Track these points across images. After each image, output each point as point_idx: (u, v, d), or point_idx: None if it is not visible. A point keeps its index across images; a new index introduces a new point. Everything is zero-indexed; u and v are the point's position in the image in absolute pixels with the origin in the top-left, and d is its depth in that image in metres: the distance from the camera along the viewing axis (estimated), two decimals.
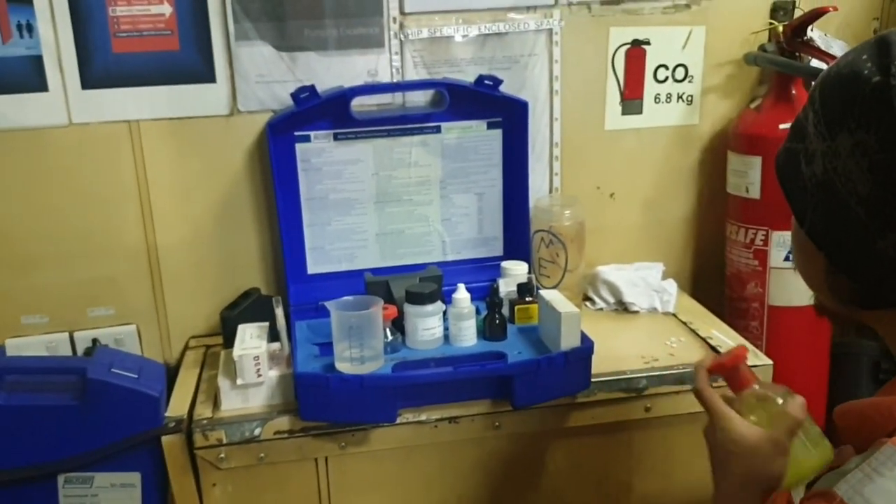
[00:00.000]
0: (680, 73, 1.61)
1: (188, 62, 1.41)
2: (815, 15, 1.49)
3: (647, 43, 1.58)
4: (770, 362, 1.34)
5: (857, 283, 0.76)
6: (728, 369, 0.95)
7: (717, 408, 0.91)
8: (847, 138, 0.71)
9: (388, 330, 1.30)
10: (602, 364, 1.30)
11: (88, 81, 1.39)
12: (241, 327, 1.32)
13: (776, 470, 0.86)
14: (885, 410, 0.76)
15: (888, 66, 0.69)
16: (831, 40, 1.58)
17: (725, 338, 1.42)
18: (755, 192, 1.53)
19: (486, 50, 1.50)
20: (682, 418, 1.30)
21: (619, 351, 1.37)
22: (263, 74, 1.44)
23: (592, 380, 1.28)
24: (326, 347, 1.28)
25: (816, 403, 1.57)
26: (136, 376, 1.24)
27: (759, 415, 0.90)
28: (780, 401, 0.90)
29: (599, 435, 1.32)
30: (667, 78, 1.60)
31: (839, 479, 0.72)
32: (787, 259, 1.53)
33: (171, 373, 1.42)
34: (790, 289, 1.53)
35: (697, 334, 1.44)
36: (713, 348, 1.39)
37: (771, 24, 1.58)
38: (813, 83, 0.80)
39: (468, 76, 1.48)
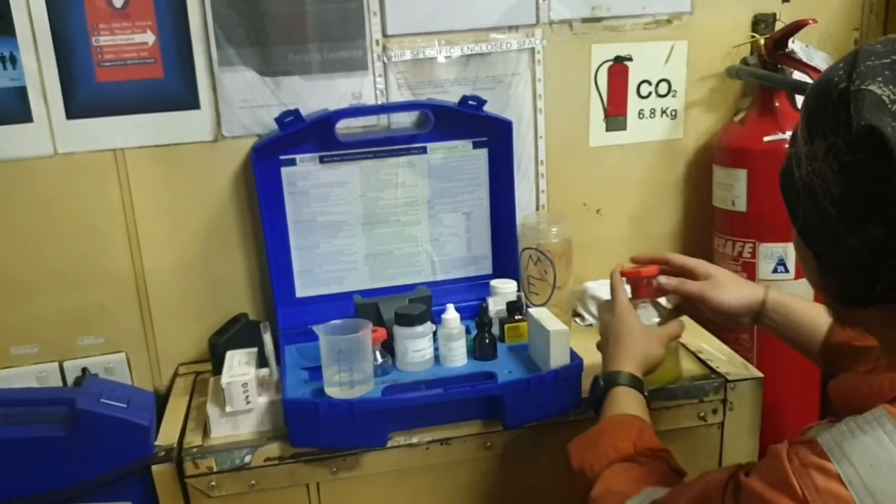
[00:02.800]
0: (663, 88, 1.62)
1: (172, 89, 1.41)
2: (795, 27, 1.50)
3: (630, 59, 1.58)
4: (760, 375, 1.35)
5: (840, 281, 0.79)
6: (633, 278, 1.25)
7: (619, 296, 1.21)
8: (822, 142, 0.74)
9: (378, 352, 1.30)
10: None
11: (73, 111, 1.39)
12: (229, 354, 1.32)
13: (653, 353, 1.16)
14: (877, 386, 0.79)
15: (852, 72, 0.73)
16: (813, 52, 1.59)
17: (715, 351, 1.42)
18: (741, 205, 1.54)
19: (469, 70, 1.51)
20: (675, 434, 1.30)
21: None
22: (247, 99, 1.44)
23: (583, 397, 1.28)
24: (316, 371, 1.28)
25: (808, 414, 1.57)
26: (125, 406, 1.24)
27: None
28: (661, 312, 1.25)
29: None
30: (650, 93, 1.61)
31: (825, 431, 0.75)
32: (775, 271, 1.53)
33: (161, 400, 1.42)
34: None
35: (687, 348, 1.44)
36: (704, 362, 1.39)
37: (752, 37, 1.60)
38: None
39: (452, 97, 1.49)
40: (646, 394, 1.11)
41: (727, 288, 1.20)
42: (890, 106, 0.69)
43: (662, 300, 1.28)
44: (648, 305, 1.26)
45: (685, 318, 1.27)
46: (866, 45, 0.75)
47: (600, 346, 1.22)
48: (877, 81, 0.71)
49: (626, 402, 1.08)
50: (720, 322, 1.24)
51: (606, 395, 1.10)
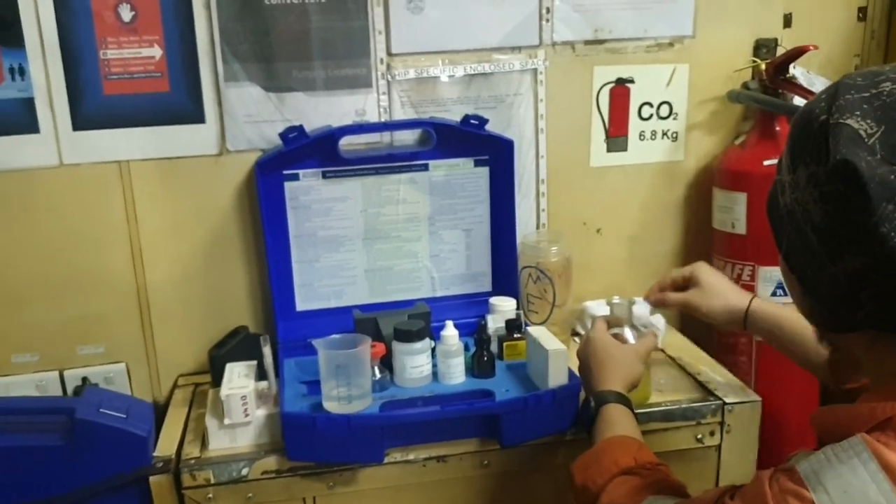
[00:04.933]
0: (664, 110, 1.63)
1: (178, 103, 1.43)
2: (797, 53, 1.51)
3: (632, 81, 1.60)
4: (758, 398, 1.35)
5: (823, 307, 0.81)
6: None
7: (595, 328, 1.27)
8: (804, 171, 0.76)
9: (376, 368, 1.30)
10: None
11: (79, 123, 1.40)
12: (228, 366, 1.33)
13: (634, 370, 1.21)
14: (856, 414, 0.79)
15: (832, 105, 0.75)
16: (814, 77, 1.60)
17: (713, 373, 1.43)
18: (741, 228, 1.55)
19: (471, 90, 1.53)
20: (671, 455, 1.30)
21: None
22: (252, 114, 1.46)
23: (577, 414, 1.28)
24: (314, 385, 1.28)
25: (806, 437, 1.57)
26: (124, 416, 1.24)
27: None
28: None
29: None
30: (651, 115, 1.63)
31: (804, 459, 0.76)
32: (774, 294, 1.54)
33: (160, 411, 1.42)
34: None
35: (686, 370, 1.45)
36: (701, 384, 1.39)
37: (754, 61, 1.61)
38: None
39: (455, 115, 1.50)
40: (634, 410, 1.15)
41: (712, 297, 1.27)
42: (866, 140, 0.71)
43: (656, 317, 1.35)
44: (625, 328, 1.31)
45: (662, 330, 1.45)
46: (847, 78, 0.77)
47: (580, 372, 1.26)
48: (854, 115, 0.73)
49: (620, 421, 1.10)
50: (717, 326, 1.33)
51: (598, 414, 1.13)
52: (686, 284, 1.32)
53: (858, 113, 0.73)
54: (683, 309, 1.31)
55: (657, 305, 1.34)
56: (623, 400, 1.15)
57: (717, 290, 1.28)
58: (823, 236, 0.75)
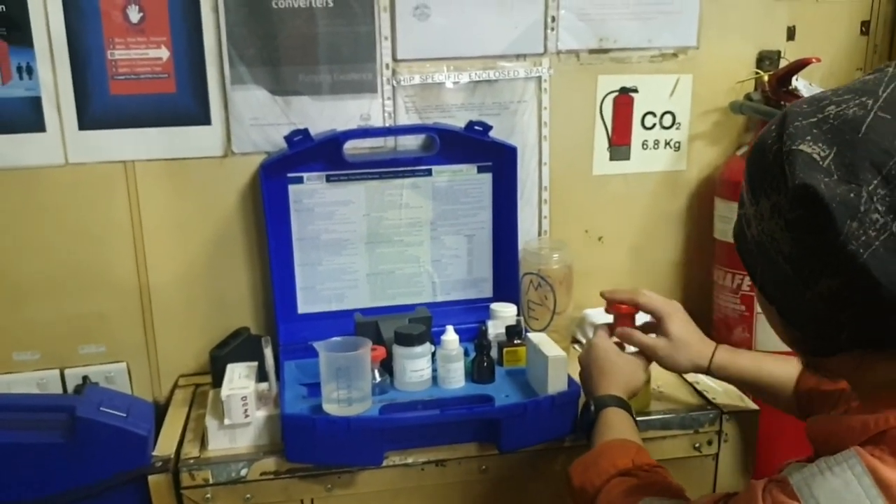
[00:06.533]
0: (667, 120, 1.64)
1: (184, 105, 1.44)
2: (799, 65, 1.52)
3: (635, 90, 1.61)
4: (756, 407, 1.35)
5: (805, 334, 0.81)
6: (616, 314, 1.32)
7: (597, 335, 1.29)
8: (766, 202, 0.77)
9: (376, 371, 1.31)
10: None
11: (86, 122, 1.41)
12: (229, 367, 1.33)
13: (636, 378, 1.23)
14: (850, 426, 0.79)
15: (782, 133, 0.76)
16: (816, 89, 1.61)
17: (711, 382, 1.43)
18: None
19: (476, 96, 1.54)
20: (668, 463, 1.29)
21: None
22: (258, 117, 1.46)
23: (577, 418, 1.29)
24: (315, 388, 1.29)
25: (803, 447, 1.57)
26: (124, 415, 1.24)
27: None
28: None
29: None
30: (654, 125, 1.63)
31: (797, 471, 0.76)
32: None
33: (160, 411, 1.42)
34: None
35: (684, 379, 1.45)
36: (700, 393, 1.40)
37: (757, 73, 1.62)
38: None
39: (459, 121, 1.51)
40: (633, 415, 1.16)
41: (678, 351, 1.25)
42: (821, 163, 0.72)
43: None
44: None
45: None
46: (793, 107, 0.78)
47: (581, 378, 1.27)
48: (806, 140, 0.73)
49: (619, 425, 1.11)
50: (669, 369, 1.30)
51: (598, 418, 1.14)
52: (654, 322, 1.29)
53: (809, 138, 0.73)
54: (647, 354, 1.26)
55: (622, 338, 1.28)
56: (623, 404, 1.16)
57: (684, 343, 1.25)
58: (796, 264, 0.75)
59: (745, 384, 1.28)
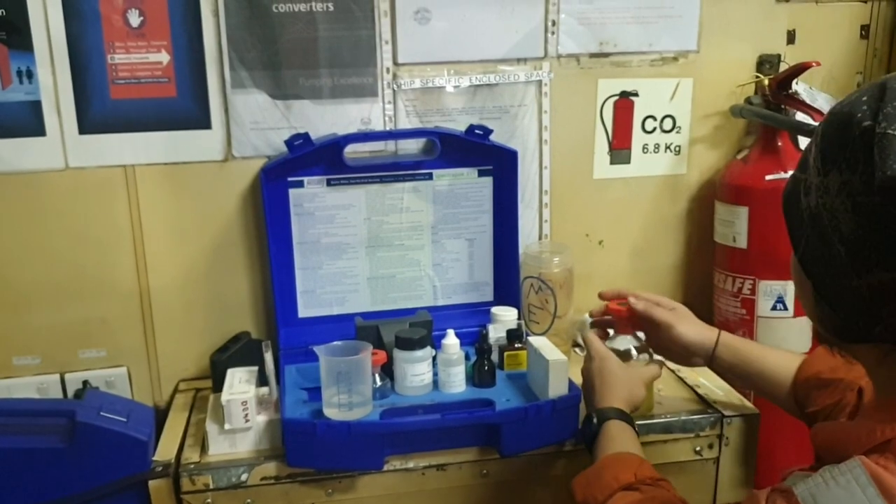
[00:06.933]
0: (668, 123, 1.64)
1: (184, 109, 1.44)
2: (799, 69, 1.52)
3: (636, 94, 1.61)
4: (756, 411, 1.35)
5: (838, 315, 0.78)
6: (617, 316, 1.32)
7: (596, 346, 1.26)
8: (837, 177, 0.73)
9: (377, 375, 1.30)
10: None
11: (86, 126, 1.41)
12: (230, 371, 1.33)
13: (637, 393, 1.20)
14: (856, 434, 0.78)
15: (878, 112, 0.70)
16: (816, 93, 1.62)
17: (712, 385, 1.43)
18: (742, 242, 1.55)
19: (476, 100, 1.54)
20: (670, 467, 1.30)
21: None
22: (258, 121, 1.46)
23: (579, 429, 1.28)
24: (315, 392, 1.28)
25: (804, 451, 1.57)
26: (125, 420, 1.24)
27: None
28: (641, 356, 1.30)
29: None
30: (655, 129, 1.63)
31: (801, 480, 0.75)
32: (774, 308, 1.54)
33: (161, 415, 1.42)
34: (778, 337, 1.54)
35: (685, 382, 1.45)
36: (701, 397, 1.40)
37: (757, 77, 1.62)
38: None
39: (459, 125, 1.51)
40: (635, 428, 1.15)
41: (688, 322, 1.28)
42: None
43: (640, 334, 1.33)
44: (628, 336, 1.33)
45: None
46: (894, 82, 0.73)
47: (583, 390, 1.26)
48: None
49: (621, 437, 1.10)
50: (675, 358, 1.32)
51: (600, 430, 1.12)
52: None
53: None
54: (654, 323, 1.28)
55: (635, 313, 1.29)
56: (625, 417, 1.15)
57: (692, 316, 1.29)
58: (852, 247, 0.72)
59: (747, 373, 1.25)
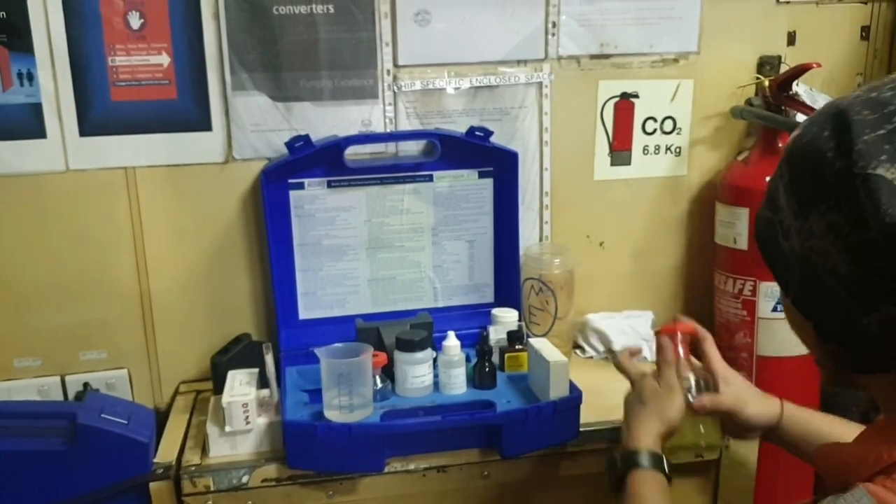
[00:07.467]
0: (668, 125, 1.64)
1: (185, 111, 1.44)
2: (800, 70, 1.52)
3: (636, 96, 1.61)
4: None
5: (848, 352, 0.76)
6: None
7: (634, 374, 1.16)
8: (819, 219, 0.71)
9: (378, 377, 1.30)
10: (591, 413, 1.30)
11: (86, 129, 1.41)
12: (230, 373, 1.33)
13: (673, 406, 1.08)
14: (862, 457, 0.76)
15: (849, 150, 0.68)
16: (816, 94, 1.61)
17: None
18: (742, 243, 1.55)
19: (477, 102, 1.54)
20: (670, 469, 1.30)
21: (608, 400, 1.37)
22: (259, 123, 1.46)
23: (581, 429, 1.29)
24: (316, 394, 1.28)
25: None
26: (125, 422, 1.24)
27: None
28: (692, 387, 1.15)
29: (588, 485, 1.31)
30: (655, 130, 1.63)
31: None
32: (774, 310, 1.54)
33: (161, 417, 1.42)
34: (779, 339, 1.54)
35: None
36: None
37: (757, 78, 1.62)
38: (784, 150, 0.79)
39: (460, 127, 1.51)
40: (667, 471, 1.03)
41: (753, 402, 1.15)
42: None
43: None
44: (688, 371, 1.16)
45: None
46: (853, 113, 0.70)
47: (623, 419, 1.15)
48: (882, 162, 0.66)
49: (647, 492, 1.00)
50: (730, 432, 1.20)
51: (626, 479, 1.02)
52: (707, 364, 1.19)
53: (885, 158, 0.66)
54: (723, 412, 1.14)
55: (700, 405, 1.13)
56: (655, 461, 1.02)
57: (753, 392, 1.16)
58: (852, 287, 0.70)
59: (811, 442, 1.11)
